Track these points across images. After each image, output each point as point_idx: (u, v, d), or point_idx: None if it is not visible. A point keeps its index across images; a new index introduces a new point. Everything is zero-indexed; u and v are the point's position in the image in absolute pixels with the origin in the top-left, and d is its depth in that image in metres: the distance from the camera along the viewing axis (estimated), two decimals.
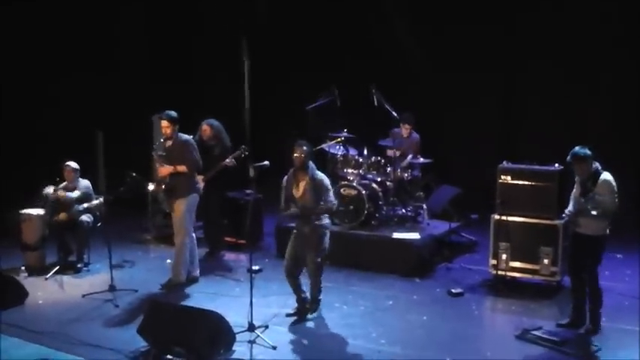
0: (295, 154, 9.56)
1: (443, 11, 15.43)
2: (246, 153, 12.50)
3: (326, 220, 9.82)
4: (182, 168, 10.99)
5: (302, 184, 9.61)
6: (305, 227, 9.66)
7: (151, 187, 11.57)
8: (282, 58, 16.79)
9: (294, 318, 9.87)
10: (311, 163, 9.66)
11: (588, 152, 8.99)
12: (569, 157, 9.07)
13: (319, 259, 9.73)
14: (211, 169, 12.35)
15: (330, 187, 9.72)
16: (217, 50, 17.21)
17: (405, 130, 13.51)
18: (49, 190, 12.06)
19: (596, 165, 9.03)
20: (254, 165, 9.88)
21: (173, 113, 11.04)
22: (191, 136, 11.48)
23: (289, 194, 9.71)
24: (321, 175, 9.71)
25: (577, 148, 9.04)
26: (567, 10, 14.41)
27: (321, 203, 9.62)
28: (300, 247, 9.75)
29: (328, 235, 9.84)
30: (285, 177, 9.84)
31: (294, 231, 9.89)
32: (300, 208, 9.55)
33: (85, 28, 15.83)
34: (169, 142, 11.13)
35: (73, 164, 12.22)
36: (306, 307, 9.98)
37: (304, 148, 9.57)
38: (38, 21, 15.32)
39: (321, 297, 10.07)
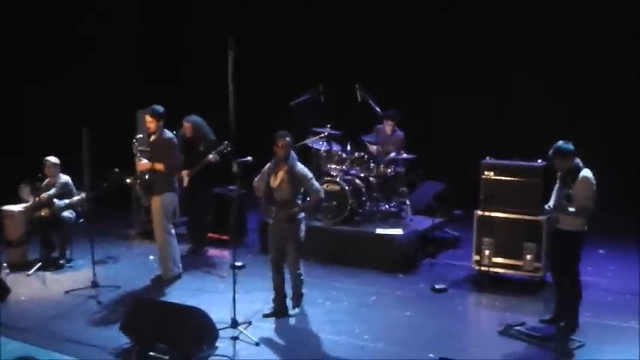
0: (278, 145, 9.52)
1: (430, 4, 15.47)
2: (230, 149, 12.47)
3: (301, 214, 9.77)
4: (160, 166, 10.94)
5: (280, 174, 9.57)
6: (280, 220, 9.62)
7: (128, 180, 11.51)
8: (267, 54, 16.75)
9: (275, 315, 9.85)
10: (292, 154, 9.63)
11: (571, 148, 8.99)
12: (551, 151, 9.08)
13: (297, 251, 9.70)
14: (196, 164, 12.33)
15: (311, 175, 9.68)
16: (203, 46, 17.20)
17: (388, 126, 13.50)
18: (26, 190, 12.04)
19: (577, 161, 9.03)
20: (238, 161, 9.85)
21: (159, 108, 10.99)
22: (174, 132, 11.46)
23: (267, 182, 9.65)
24: (300, 165, 9.68)
25: (560, 143, 9.03)
26: (556, 5, 14.44)
27: (299, 201, 9.66)
28: (279, 239, 9.72)
29: (304, 225, 9.78)
30: (268, 164, 9.78)
31: (270, 223, 9.87)
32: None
33: (70, 24, 15.79)
34: (153, 138, 11.09)
35: (53, 159, 12.17)
36: (285, 306, 9.94)
37: (287, 139, 9.54)
38: (23, 15, 15.27)
39: (304, 291, 10.04)
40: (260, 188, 9.78)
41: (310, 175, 9.69)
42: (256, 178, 9.87)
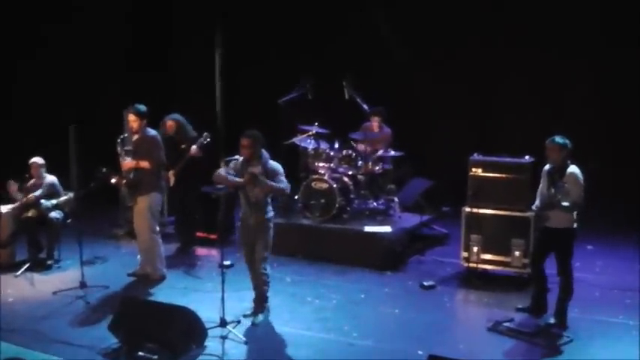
0: (242, 145, 9.31)
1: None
2: (209, 139, 12.44)
3: (271, 213, 9.62)
4: (145, 164, 10.91)
5: (254, 170, 9.27)
6: (250, 219, 9.48)
7: (113, 180, 11.47)
8: (255, 50, 16.72)
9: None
10: (264, 152, 9.41)
11: (568, 143, 9.01)
12: (547, 141, 9.07)
13: (265, 252, 9.54)
14: (179, 162, 12.31)
15: (282, 172, 9.45)
16: (191, 43, 17.18)
17: (375, 122, 13.50)
18: (13, 187, 12.00)
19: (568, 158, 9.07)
20: (226, 159, 9.81)
21: (142, 107, 10.97)
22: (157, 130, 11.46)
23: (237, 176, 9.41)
24: (273, 162, 9.46)
25: (557, 136, 9.06)
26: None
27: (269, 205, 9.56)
28: (248, 237, 9.59)
29: (272, 227, 9.60)
30: (232, 162, 9.60)
31: (239, 223, 9.78)
32: (249, 177, 9.19)
33: (56, 21, 15.77)
34: (136, 137, 11.07)
35: (39, 160, 12.13)
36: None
37: (251, 138, 9.29)
38: (10, 12, 15.24)
39: (268, 296, 9.79)
40: (222, 178, 9.50)
41: (282, 171, 9.45)
42: (221, 170, 9.66)
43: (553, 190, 8.91)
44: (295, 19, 16.20)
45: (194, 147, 12.33)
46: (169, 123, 12.52)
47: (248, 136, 9.31)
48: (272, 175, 9.33)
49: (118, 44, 16.86)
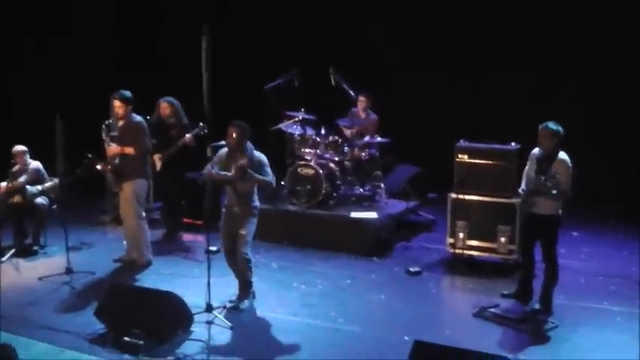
0: (229, 135, 9.29)
1: None
2: (205, 131, 12.43)
3: (257, 203, 9.62)
4: (130, 150, 10.89)
5: (241, 161, 9.23)
6: (235, 207, 9.47)
7: (99, 166, 11.43)
8: (242, 37, 16.67)
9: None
10: (249, 144, 9.38)
11: (561, 129, 8.99)
12: (540, 126, 9.04)
13: (248, 238, 9.51)
14: (169, 148, 12.29)
15: (267, 163, 9.44)
16: (179, 32, 17.11)
17: (361, 104, 13.51)
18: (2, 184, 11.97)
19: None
20: (212, 145, 9.78)
21: (127, 93, 10.92)
22: (147, 117, 11.42)
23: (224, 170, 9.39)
24: (258, 153, 9.44)
25: (551, 123, 9.03)
26: None
27: (256, 195, 9.54)
28: (232, 226, 9.56)
29: (257, 215, 9.62)
30: (218, 154, 9.58)
31: (223, 210, 9.74)
32: (238, 170, 9.16)
33: (45, 9, 15.71)
34: (122, 123, 11.04)
35: (21, 147, 12.05)
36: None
37: (239, 128, 9.28)
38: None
39: (252, 282, 9.78)
40: (212, 176, 9.49)
41: (267, 162, 9.44)
42: (208, 167, 9.65)
43: (543, 178, 8.86)
44: (284, 5, 16.12)
45: (189, 136, 12.29)
46: (164, 105, 12.47)
47: (236, 126, 9.29)
48: (258, 166, 9.31)
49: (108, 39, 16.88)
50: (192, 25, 16.44)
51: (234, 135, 9.26)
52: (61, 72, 15.84)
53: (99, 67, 16.29)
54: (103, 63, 16.45)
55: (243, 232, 9.44)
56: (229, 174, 9.30)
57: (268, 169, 9.43)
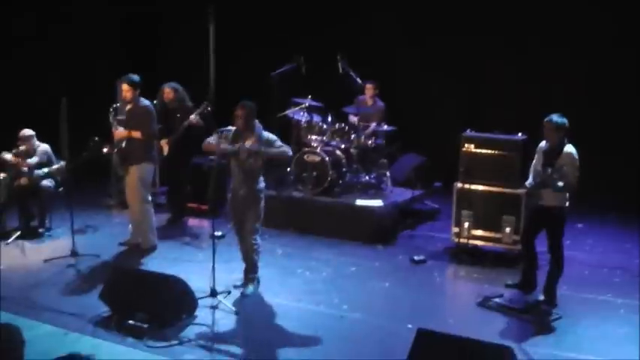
0: (236, 115, 9.27)
1: None
2: (210, 108, 12.43)
3: (262, 184, 9.59)
4: (137, 134, 10.90)
5: (247, 144, 9.28)
6: (241, 190, 9.45)
7: (105, 150, 11.44)
8: (248, 24, 16.66)
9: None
10: (257, 122, 9.37)
11: (566, 122, 8.96)
12: (545, 120, 9.03)
13: (256, 223, 9.54)
14: (175, 132, 12.30)
15: (277, 139, 9.43)
16: (184, 17, 17.09)
17: (368, 91, 13.51)
18: (7, 155, 11.91)
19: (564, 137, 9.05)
20: (218, 130, 9.76)
21: (135, 77, 10.92)
22: (154, 101, 11.44)
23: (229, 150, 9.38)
24: (267, 132, 9.42)
25: (555, 115, 9.00)
26: None
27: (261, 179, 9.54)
28: (239, 209, 9.57)
29: (263, 198, 9.59)
30: (223, 133, 9.49)
31: (229, 195, 9.74)
32: (246, 153, 9.21)
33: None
34: (129, 106, 11.04)
35: (28, 131, 12.03)
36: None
37: (246, 108, 9.25)
38: None
39: (258, 267, 9.79)
40: (213, 146, 9.39)
41: (277, 138, 9.43)
42: (211, 139, 9.54)
43: (549, 171, 8.83)
44: None
45: (193, 116, 12.30)
46: (167, 90, 12.50)
47: (243, 106, 9.26)
48: (268, 145, 9.31)
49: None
50: (195, 10, 16.38)
51: (241, 115, 9.24)
52: (66, 55, 15.85)
53: (103, 48, 16.32)
54: (107, 45, 16.49)
55: (249, 217, 9.47)
56: (236, 145, 9.28)
57: (279, 142, 9.42)
